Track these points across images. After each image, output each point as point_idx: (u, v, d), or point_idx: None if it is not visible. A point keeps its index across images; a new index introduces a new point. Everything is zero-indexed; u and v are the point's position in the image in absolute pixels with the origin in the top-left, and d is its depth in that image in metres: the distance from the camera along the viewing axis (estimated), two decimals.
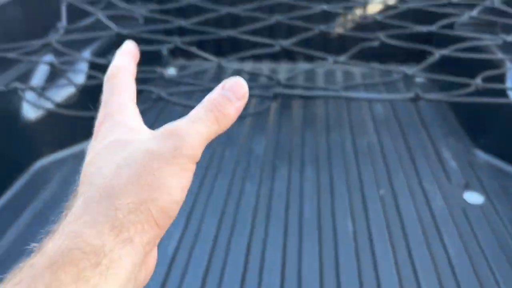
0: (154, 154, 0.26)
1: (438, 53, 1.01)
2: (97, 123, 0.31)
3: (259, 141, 1.44)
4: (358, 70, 1.88)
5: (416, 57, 1.80)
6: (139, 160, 0.26)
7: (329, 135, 1.48)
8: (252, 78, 1.75)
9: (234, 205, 1.15)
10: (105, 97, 0.32)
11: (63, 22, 1.14)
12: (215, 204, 1.15)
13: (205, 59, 1.19)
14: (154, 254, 0.30)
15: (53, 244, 0.23)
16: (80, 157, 1.23)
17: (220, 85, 0.29)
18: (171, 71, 1.97)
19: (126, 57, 0.34)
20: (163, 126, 0.28)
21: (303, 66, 1.90)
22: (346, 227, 1.08)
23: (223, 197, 1.18)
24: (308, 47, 1.33)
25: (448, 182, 1.25)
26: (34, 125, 1.28)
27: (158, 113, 1.56)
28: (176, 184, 0.26)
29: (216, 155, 1.37)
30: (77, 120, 1.39)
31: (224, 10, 1.39)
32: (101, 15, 1.22)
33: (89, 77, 1.25)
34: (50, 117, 1.31)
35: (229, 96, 0.29)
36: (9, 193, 1.19)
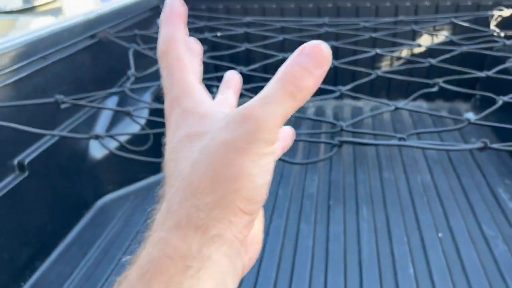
0: (229, 144, 0.24)
1: (501, 100, 1.01)
2: (166, 111, 0.29)
3: (312, 180, 1.46)
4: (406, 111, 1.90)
5: (463, 94, 1.81)
6: (215, 153, 0.24)
7: (382, 174, 1.48)
8: (315, 124, 1.80)
9: (292, 248, 1.16)
10: (164, 80, 0.29)
11: (132, 70, 1.22)
12: (272, 247, 1.16)
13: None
14: (255, 232, 0.30)
15: (144, 253, 0.23)
16: (141, 195, 1.30)
17: (298, 50, 0.25)
18: None
19: (174, 24, 0.29)
20: (237, 109, 0.26)
21: (365, 107, 1.96)
22: (407, 272, 1.07)
23: (280, 239, 1.19)
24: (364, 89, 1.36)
25: (508, 226, 1.22)
26: (99, 164, 1.36)
27: None
28: (257, 171, 0.25)
29: (270, 193, 1.40)
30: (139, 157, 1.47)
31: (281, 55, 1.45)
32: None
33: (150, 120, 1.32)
34: (114, 156, 1.39)
35: (307, 65, 0.24)
36: (75, 230, 1.26)
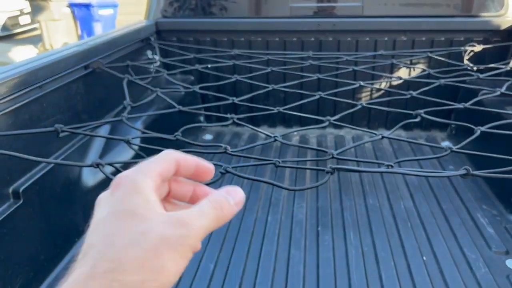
0: (165, 240, 0.30)
1: (479, 130, 1.10)
2: (113, 183, 0.35)
3: (300, 206, 1.50)
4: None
5: (440, 124, 1.91)
6: (152, 242, 0.30)
7: (367, 200, 1.53)
8: (303, 151, 1.86)
9: (283, 274, 1.19)
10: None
11: (127, 100, 1.26)
12: (265, 273, 1.19)
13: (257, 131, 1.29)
14: None
15: None
16: None
17: (224, 189, 0.36)
18: (207, 137, 2.10)
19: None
20: (178, 213, 0.32)
21: (346, 136, 2.05)
22: None
23: (271, 265, 1.22)
24: (346, 119, 1.44)
25: (488, 249, 1.28)
26: (90, 191, 1.36)
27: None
28: (175, 270, 0.30)
29: (259, 219, 1.43)
30: None
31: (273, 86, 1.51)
32: (159, 93, 1.34)
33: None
34: (105, 183, 1.40)
35: (230, 201, 0.35)
36: (67, 258, 1.25)
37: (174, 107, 1.33)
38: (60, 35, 7.35)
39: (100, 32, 7.21)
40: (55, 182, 1.23)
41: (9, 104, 1.11)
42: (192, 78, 2.08)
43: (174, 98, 1.54)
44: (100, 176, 1.39)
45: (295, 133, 2.06)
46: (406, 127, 2.09)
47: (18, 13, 9.41)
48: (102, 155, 1.43)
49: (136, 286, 0.28)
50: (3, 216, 1.04)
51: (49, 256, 1.19)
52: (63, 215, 1.26)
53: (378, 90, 1.99)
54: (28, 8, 9.26)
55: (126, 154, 1.46)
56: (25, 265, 1.10)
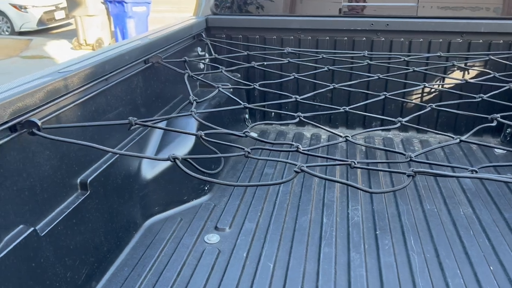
0: None
1: None
2: None
3: (355, 209, 1.47)
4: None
5: (490, 129, 1.85)
6: None
7: (423, 205, 1.49)
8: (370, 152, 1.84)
9: (345, 276, 1.16)
10: None
11: (192, 96, 1.25)
12: (326, 276, 1.17)
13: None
14: None
15: None
16: (187, 217, 1.31)
17: None
18: (252, 135, 2.08)
19: None
20: None
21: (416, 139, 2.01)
22: None
23: (332, 267, 1.20)
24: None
25: None
26: (148, 184, 1.37)
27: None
28: None
29: (314, 220, 1.41)
30: (185, 179, 1.48)
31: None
32: (221, 88, 1.34)
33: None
34: (161, 177, 1.40)
35: None
36: (126, 250, 1.26)
37: (225, 103, 1.32)
38: (94, 31, 7.48)
39: (133, 29, 7.32)
40: (118, 174, 1.24)
41: (79, 96, 1.12)
42: (239, 75, 2.07)
43: (223, 95, 1.53)
44: (157, 170, 1.40)
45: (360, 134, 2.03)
46: (457, 131, 2.03)
47: (54, 8, 9.64)
48: (159, 148, 1.44)
49: None
50: (73, 206, 1.05)
51: (111, 247, 1.20)
52: (123, 207, 1.27)
53: (442, 92, 1.94)
54: (63, 4, 9.48)
55: (183, 147, 1.46)
56: (91, 256, 1.11)
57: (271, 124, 2.10)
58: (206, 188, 1.56)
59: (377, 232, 1.35)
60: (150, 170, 1.38)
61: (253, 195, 1.55)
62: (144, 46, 1.44)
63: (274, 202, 1.51)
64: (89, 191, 1.11)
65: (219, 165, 1.53)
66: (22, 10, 9.14)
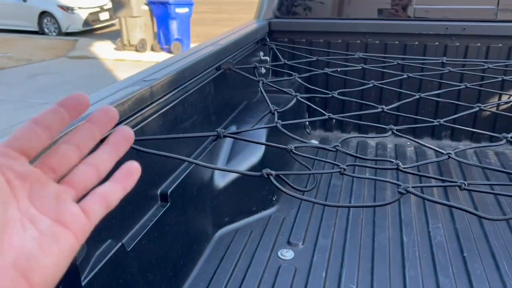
0: None
1: None
2: None
3: (436, 227, 1.38)
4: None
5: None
6: None
7: (511, 225, 1.38)
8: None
9: None
10: None
11: (272, 106, 1.20)
12: None
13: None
14: None
15: None
16: (257, 229, 1.24)
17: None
18: (313, 142, 2.01)
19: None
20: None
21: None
22: None
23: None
24: None
25: None
26: (219, 195, 1.33)
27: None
28: None
29: (393, 238, 1.33)
30: (254, 190, 1.43)
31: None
32: (299, 97, 1.28)
33: None
34: (231, 188, 1.36)
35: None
36: (199, 263, 1.22)
37: (290, 110, 1.26)
38: (138, 32, 7.62)
39: (175, 30, 7.40)
40: (194, 185, 1.20)
41: (162, 104, 1.08)
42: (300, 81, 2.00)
43: (287, 102, 1.47)
44: (228, 180, 1.36)
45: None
46: (476, 140, 1.91)
47: (99, 9, 9.92)
48: (230, 157, 1.39)
49: None
50: (155, 219, 1.02)
51: (186, 260, 1.16)
52: (197, 218, 1.23)
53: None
54: (107, 5, 9.73)
55: (254, 157, 1.41)
56: (169, 270, 1.07)
57: (351, 136, 2.01)
58: (274, 199, 1.50)
59: (465, 254, 1.25)
60: (221, 180, 1.33)
61: (323, 208, 1.48)
62: (216, 52, 1.40)
63: (346, 217, 1.43)
64: (169, 203, 1.07)
65: (306, 180, 1.47)
66: (69, 11, 9.44)
